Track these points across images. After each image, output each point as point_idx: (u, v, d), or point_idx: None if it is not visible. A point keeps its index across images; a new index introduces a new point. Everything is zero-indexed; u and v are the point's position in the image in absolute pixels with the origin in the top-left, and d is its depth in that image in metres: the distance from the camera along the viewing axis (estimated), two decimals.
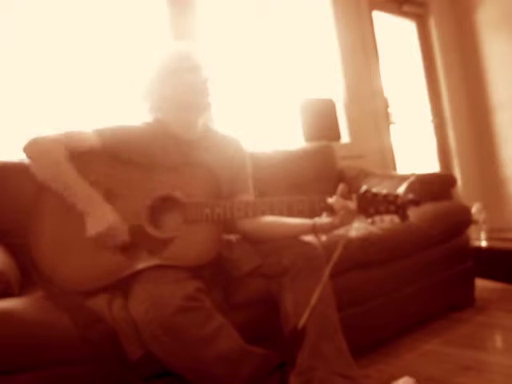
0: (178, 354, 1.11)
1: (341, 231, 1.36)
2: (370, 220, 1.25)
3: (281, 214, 1.28)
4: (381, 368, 1.67)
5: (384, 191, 1.25)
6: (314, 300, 1.22)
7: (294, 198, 1.29)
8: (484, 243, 2.62)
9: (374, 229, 1.83)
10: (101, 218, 1.22)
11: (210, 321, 1.14)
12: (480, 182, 3.95)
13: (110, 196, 1.29)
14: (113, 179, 1.31)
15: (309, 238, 1.38)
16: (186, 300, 1.11)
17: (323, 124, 2.97)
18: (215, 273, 1.37)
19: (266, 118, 2.81)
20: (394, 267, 1.88)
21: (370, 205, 1.23)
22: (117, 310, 1.17)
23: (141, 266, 1.20)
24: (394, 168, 3.40)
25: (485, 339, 1.90)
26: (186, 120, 1.45)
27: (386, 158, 3.36)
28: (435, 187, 2.24)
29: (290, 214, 1.28)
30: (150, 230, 1.28)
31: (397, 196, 1.23)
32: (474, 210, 2.64)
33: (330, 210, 1.26)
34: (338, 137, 3.10)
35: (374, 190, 1.25)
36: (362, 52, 3.35)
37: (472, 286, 2.24)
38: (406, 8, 3.75)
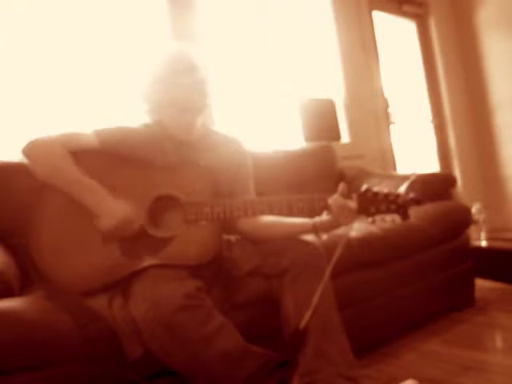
0: (178, 352, 1.11)
1: (341, 230, 1.36)
2: (370, 219, 1.25)
3: (280, 212, 1.27)
4: (381, 368, 1.67)
5: (385, 190, 1.25)
6: (315, 300, 1.22)
7: (294, 197, 1.29)
8: (484, 243, 2.62)
9: (374, 229, 1.83)
10: (114, 210, 1.23)
11: (210, 320, 1.15)
12: (480, 182, 3.95)
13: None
14: (112, 180, 1.31)
15: (309, 237, 1.38)
16: (186, 299, 1.11)
17: (323, 124, 2.96)
18: (215, 272, 1.37)
19: (266, 118, 2.81)
20: (394, 267, 1.88)
21: (371, 204, 1.23)
22: (117, 309, 1.18)
23: (141, 265, 1.20)
24: (394, 168, 3.40)
25: (485, 339, 1.90)
26: (183, 121, 1.44)
27: (386, 158, 3.36)
28: (435, 187, 2.24)
29: (290, 213, 1.27)
30: (150, 229, 1.28)
31: (398, 195, 1.22)
32: (473, 210, 2.64)
33: (330, 209, 1.25)
34: (338, 137, 3.10)
35: (375, 189, 1.25)
36: (362, 52, 3.35)
37: (472, 286, 2.24)
38: (405, 8, 3.75)
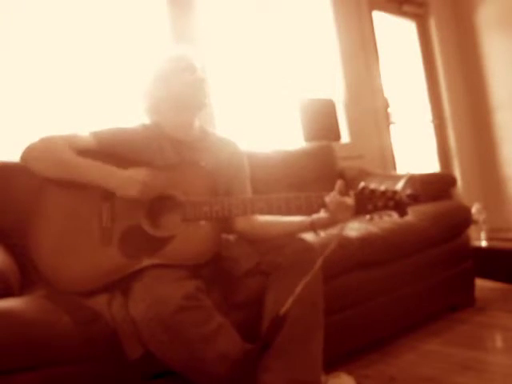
0: (178, 353, 1.11)
1: (338, 227, 1.35)
2: (368, 217, 1.25)
3: (279, 210, 1.27)
4: (381, 368, 1.67)
5: (382, 187, 1.25)
6: (299, 289, 1.18)
7: (292, 195, 1.29)
8: (484, 243, 2.62)
9: (373, 229, 1.83)
10: (129, 177, 1.26)
11: (209, 320, 1.15)
12: (480, 182, 3.95)
13: (107, 196, 1.29)
14: None
15: (308, 234, 1.38)
16: (185, 299, 1.11)
17: (323, 124, 2.97)
18: (214, 272, 1.37)
19: (266, 118, 2.81)
20: (394, 267, 1.88)
21: (368, 201, 1.23)
22: (116, 309, 1.18)
23: (140, 265, 1.20)
24: (394, 168, 3.40)
25: (485, 339, 1.90)
26: (182, 121, 1.45)
27: (386, 158, 3.36)
28: (435, 187, 2.25)
29: (288, 211, 1.27)
30: (149, 229, 1.27)
31: (395, 192, 1.23)
32: (473, 210, 2.64)
33: (328, 206, 1.25)
34: (338, 137, 3.10)
35: (372, 186, 1.25)
36: (362, 52, 3.35)
37: (472, 286, 2.24)
38: (405, 8, 3.75)
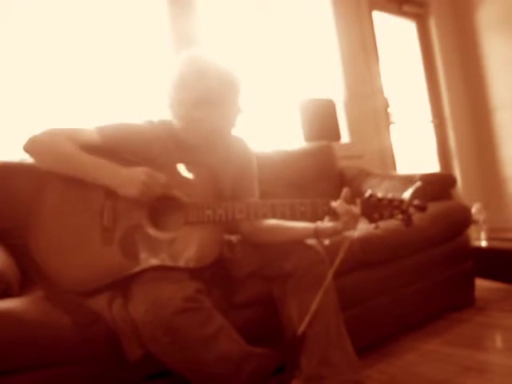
0: (178, 354, 1.11)
1: (344, 236, 1.34)
2: (373, 225, 1.23)
3: (283, 216, 1.26)
4: (381, 368, 1.67)
5: (389, 195, 1.23)
6: (314, 305, 1.21)
7: (297, 201, 1.26)
8: (484, 243, 2.61)
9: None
10: (132, 175, 1.24)
11: (210, 321, 1.14)
12: (480, 182, 3.95)
13: (110, 195, 1.28)
14: None
15: (312, 242, 1.36)
16: (186, 301, 1.10)
17: (323, 124, 2.97)
18: (215, 273, 1.36)
19: (266, 118, 2.81)
20: (395, 267, 1.88)
21: (375, 210, 1.22)
22: (117, 310, 1.17)
23: (141, 266, 1.20)
24: (394, 168, 3.40)
25: (485, 339, 1.90)
26: (205, 139, 1.38)
27: (386, 158, 3.36)
28: (435, 187, 2.24)
29: (293, 217, 1.25)
30: (151, 230, 1.27)
31: (402, 201, 1.21)
32: (473, 210, 2.64)
33: (333, 214, 1.23)
34: (337, 137, 3.10)
35: (380, 194, 1.23)
36: (362, 52, 3.35)
37: (472, 286, 2.24)
38: (406, 8, 3.75)
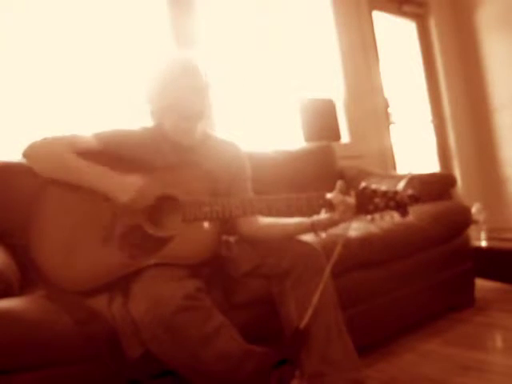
0: (178, 353, 1.11)
1: (340, 229, 1.35)
2: (369, 217, 1.24)
3: (279, 211, 1.27)
4: (381, 368, 1.67)
5: (383, 187, 1.25)
6: (315, 300, 1.22)
7: (292, 196, 1.28)
8: (484, 243, 2.62)
9: (374, 229, 1.83)
10: (126, 184, 1.25)
11: (209, 320, 1.15)
12: (480, 182, 3.95)
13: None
14: None
15: (309, 236, 1.38)
16: (186, 299, 1.11)
17: (323, 124, 2.97)
18: (214, 272, 1.37)
19: (266, 118, 2.81)
20: (394, 267, 1.88)
21: (370, 201, 1.23)
22: (116, 308, 1.18)
23: (140, 264, 1.21)
24: (394, 168, 3.40)
25: (485, 339, 1.90)
26: (185, 127, 1.41)
27: (386, 158, 3.36)
28: (435, 187, 2.24)
29: (289, 212, 1.27)
30: (150, 228, 1.27)
31: (396, 192, 1.22)
32: (473, 210, 2.64)
33: (329, 206, 1.25)
34: (337, 137, 3.10)
35: (373, 186, 1.25)
36: (362, 52, 3.35)
37: (472, 286, 2.24)
38: (406, 8, 3.75)
